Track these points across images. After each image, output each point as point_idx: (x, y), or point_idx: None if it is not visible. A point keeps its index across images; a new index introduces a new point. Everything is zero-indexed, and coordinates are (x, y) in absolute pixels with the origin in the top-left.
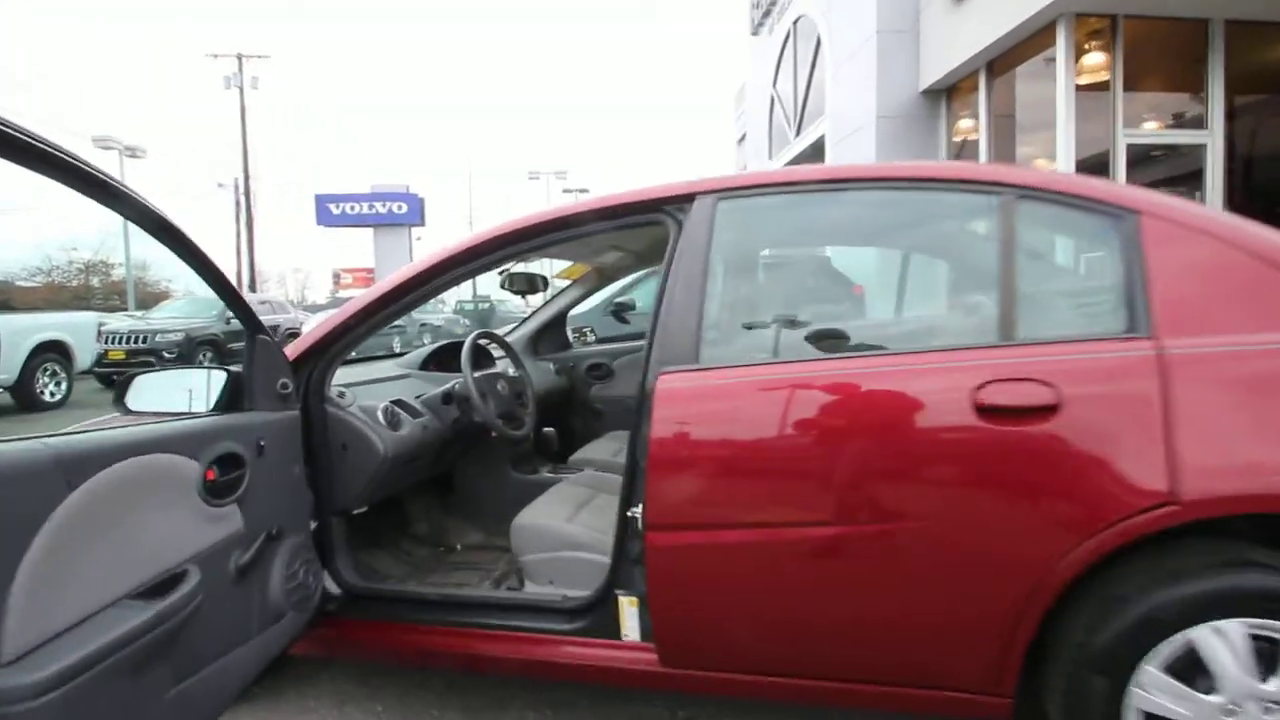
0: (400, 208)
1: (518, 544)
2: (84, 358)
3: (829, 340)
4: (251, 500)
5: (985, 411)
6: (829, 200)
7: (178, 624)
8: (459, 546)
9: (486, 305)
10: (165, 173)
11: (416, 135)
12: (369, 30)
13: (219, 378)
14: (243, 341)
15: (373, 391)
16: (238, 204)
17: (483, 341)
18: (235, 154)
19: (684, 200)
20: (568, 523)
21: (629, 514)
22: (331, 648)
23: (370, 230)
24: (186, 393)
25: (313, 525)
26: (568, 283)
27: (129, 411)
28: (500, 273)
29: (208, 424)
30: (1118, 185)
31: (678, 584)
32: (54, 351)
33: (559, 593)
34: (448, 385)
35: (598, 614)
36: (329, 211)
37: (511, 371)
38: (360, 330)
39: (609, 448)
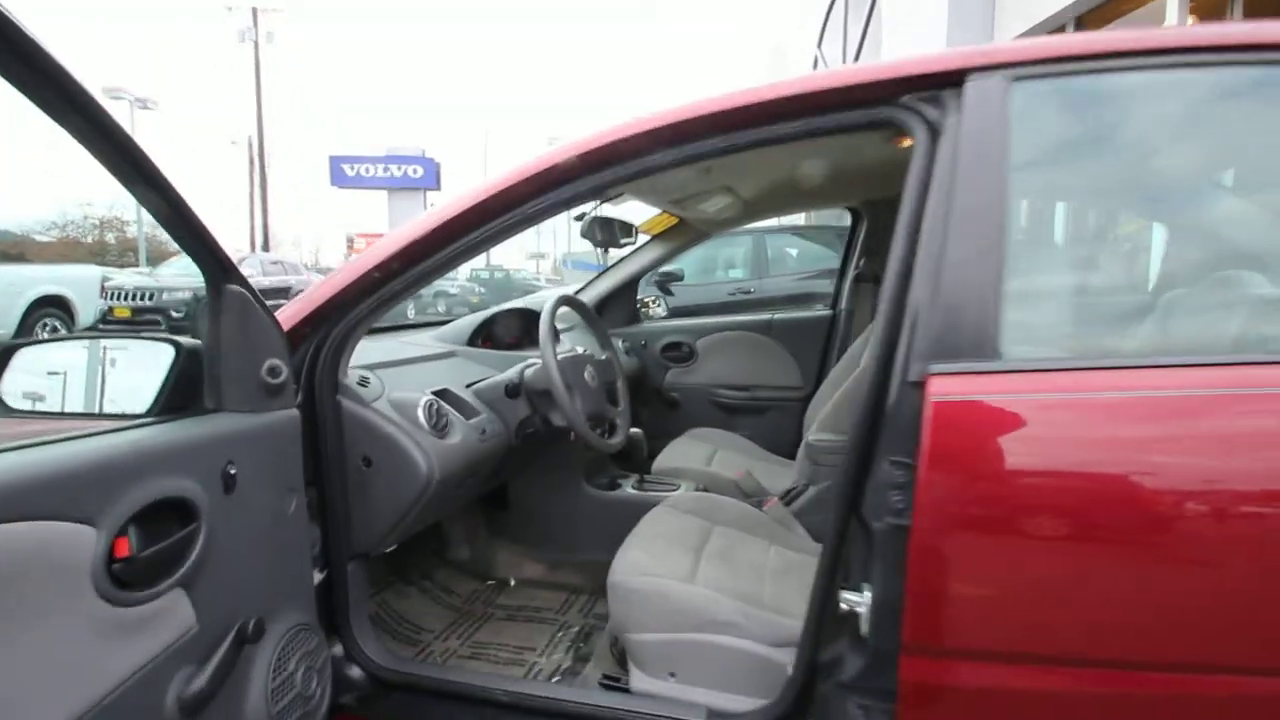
0: (416, 171)
1: (621, 612)
2: (86, 314)
3: None
4: (210, 575)
5: None
6: (1250, 80)
7: None
8: (513, 581)
9: (502, 274)
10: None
11: (431, 106)
12: (379, 31)
13: (160, 355)
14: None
15: (407, 377)
16: (251, 162)
17: (563, 310)
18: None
19: (944, 83)
20: (692, 583)
21: (842, 606)
22: None
23: (384, 194)
24: (103, 380)
25: (318, 577)
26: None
27: (7, 411)
28: (577, 217)
29: (127, 445)
30: None
31: None
32: (55, 307)
33: (698, 702)
34: (512, 371)
35: None
36: (343, 173)
37: (581, 350)
38: (396, 285)
39: (699, 452)
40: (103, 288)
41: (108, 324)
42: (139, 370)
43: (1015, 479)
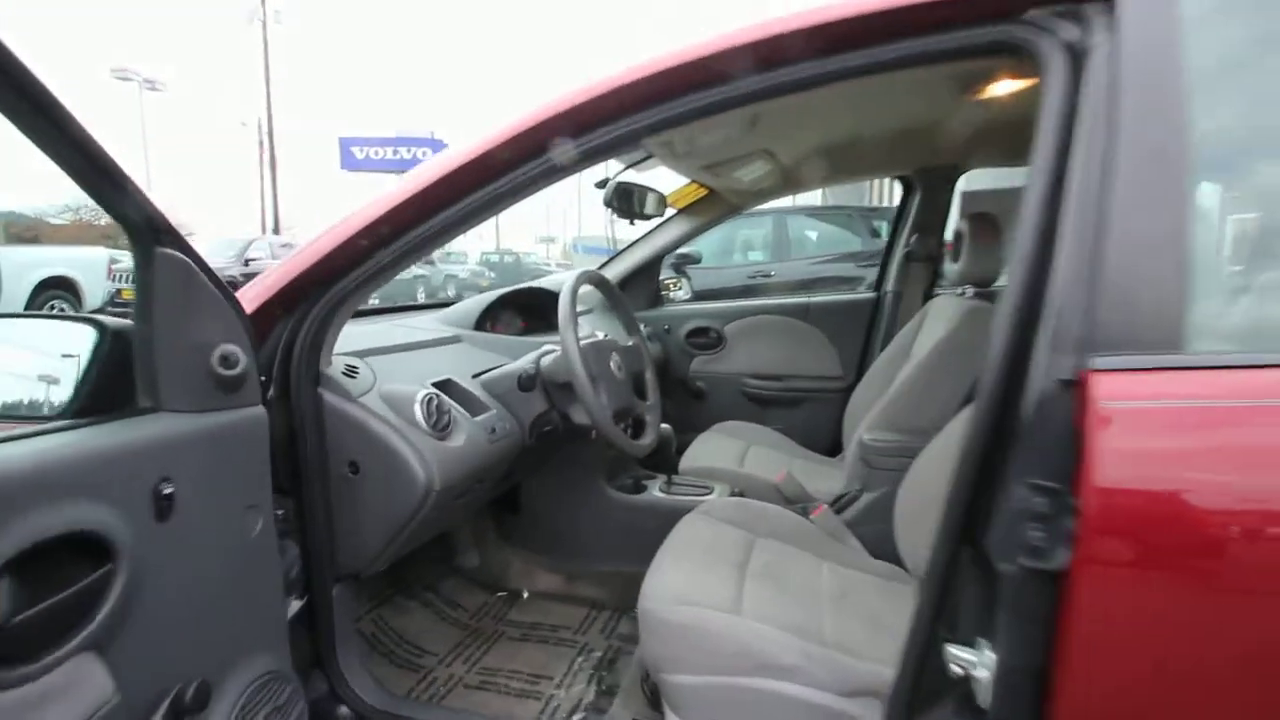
0: (425, 154)
1: (654, 647)
2: (94, 297)
3: None
4: (135, 630)
5: None
6: None
7: None
8: (525, 594)
9: (512, 258)
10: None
11: (432, 105)
12: (380, 30)
13: (82, 339)
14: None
15: (404, 366)
16: (260, 144)
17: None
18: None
19: None
20: (739, 613)
21: (953, 667)
22: None
23: (394, 178)
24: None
25: (295, 606)
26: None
27: None
28: (598, 184)
29: (6, 463)
30: None
31: None
32: (61, 289)
33: None
34: (527, 359)
35: None
36: (353, 156)
37: (603, 336)
38: (388, 255)
39: (730, 449)
40: (110, 270)
41: (116, 306)
42: (53, 359)
43: (1233, 513)
